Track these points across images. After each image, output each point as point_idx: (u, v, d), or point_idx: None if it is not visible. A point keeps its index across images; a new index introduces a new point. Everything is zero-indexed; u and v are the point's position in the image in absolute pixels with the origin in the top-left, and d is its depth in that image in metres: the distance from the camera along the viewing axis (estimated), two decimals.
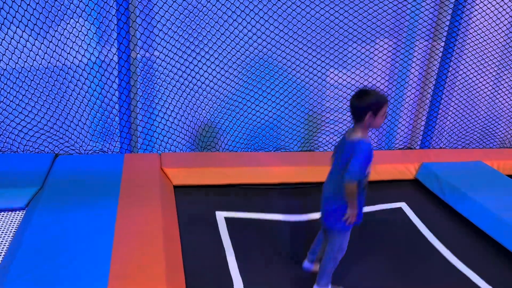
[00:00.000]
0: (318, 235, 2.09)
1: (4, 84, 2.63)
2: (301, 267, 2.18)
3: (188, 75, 2.89)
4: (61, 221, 2.13)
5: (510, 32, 3.36)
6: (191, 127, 3.08)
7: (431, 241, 2.52)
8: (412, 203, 2.84)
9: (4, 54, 2.55)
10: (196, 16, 2.72)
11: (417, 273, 2.25)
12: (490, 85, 3.53)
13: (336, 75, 3.23)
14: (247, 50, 2.90)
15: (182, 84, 2.93)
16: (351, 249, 2.03)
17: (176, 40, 2.75)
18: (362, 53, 3.15)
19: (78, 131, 2.84)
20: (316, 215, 2.42)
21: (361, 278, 2.13)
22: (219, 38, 2.76)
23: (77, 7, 2.54)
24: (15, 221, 2.25)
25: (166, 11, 2.65)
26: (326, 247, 1.89)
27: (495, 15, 3.24)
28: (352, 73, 3.18)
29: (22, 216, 2.29)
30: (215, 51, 2.82)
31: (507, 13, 3.24)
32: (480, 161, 3.29)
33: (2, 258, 1.93)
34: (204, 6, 2.69)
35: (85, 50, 2.67)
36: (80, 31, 2.64)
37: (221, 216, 2.56)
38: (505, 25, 3.29)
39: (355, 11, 2.94)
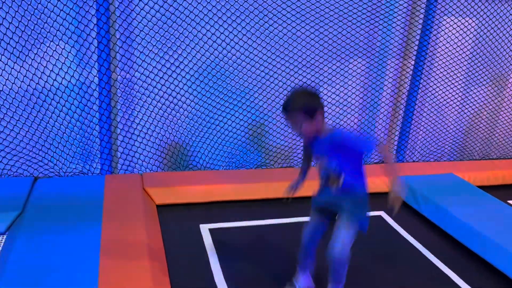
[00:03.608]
0: (306, 244, 1.97)
1: None
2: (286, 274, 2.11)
3: (169, 95, 2.95)
4: (43, 245, 2.11)
5: (474, 50, 3.57)
6: (172, 146, 3.12)
7: (411, 242, 2.71)
8: (389, 212, 2.96)
9: None
10: (176, 38, 2.81)
11: (401, 270, 2.41)
12: (458, 100, 3.70)
13: None
14: (226, 71, 2.96)
15: (163, 104, 2.99)
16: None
17: (157, 62, 2.82)
18: (337, 72, 3.27)
19: (57, 153, 2.85)
20: (300, 219, 2.52)
21: (350, 274, 2.12)
22: (199, 60, 2.86)
23: (57, 30, 2.57)
24: None
25: (146, 34, 2.71)
26: (337, 238, 1.76)
27: (460, 34, 3.46)
28: (328, 91, 3.30)
29: (2, 241, 2.27)
30: (195, 71, 2.90)
31: (471, 32, 3.47)
32: (451, 173, 3.42)
33: None
34: (184, 29, 2.78)
35: (65, 72, 2.70)
36: (61, 53, 2.68)
37: (205, 228, 2.63)
38: (469, 44, 3.51)
39: (330, 32, 3.08)
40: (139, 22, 2.70)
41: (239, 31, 2.85)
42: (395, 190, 1.68)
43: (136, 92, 2.90)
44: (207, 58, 2.85)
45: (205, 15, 2.74)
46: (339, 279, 1.84)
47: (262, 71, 2.99)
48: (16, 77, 2.61)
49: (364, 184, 1.83)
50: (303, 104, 1.67)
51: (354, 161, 1.77)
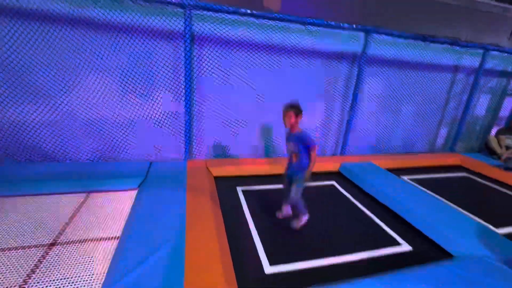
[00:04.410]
0: (285, 190, 2.68)
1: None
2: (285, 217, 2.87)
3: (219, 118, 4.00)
4: (157, 195, 2.84)
5: (381, 96, 4.76)
6: (219, 145, 4.18)
7: (352, 200, 3.39)
8: (338, 182, 3.88)
9: None
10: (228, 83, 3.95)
11: (345, 217, 2.99)
12: (372, 121, 4.88)
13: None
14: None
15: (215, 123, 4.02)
16: (310, 203, 2.83)
17: (215, 99, 3.94)
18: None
19: (162, 148, 3.91)
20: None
21: (312, 225, 2.78)
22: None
23: (162, 83, 3.66)
24: (133, 194, 3.06)
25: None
26: (292, 192, 2.51)
27: (374, 87, 4.66)
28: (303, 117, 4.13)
29: (137, 190, 3.12)
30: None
31: (379, 88, 4.72)
32: (370, 162, 4.41)
33: (129, 213, 2.62)
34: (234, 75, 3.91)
35: (167, 105, 3.74)
36: (163, 96, 3.67)
37: (239, 189, 3.41)
38: (379, 92, 4.75)
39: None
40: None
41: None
42: (309, 173, 2.34)
43: (203, 117, 3.97)
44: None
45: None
46: (301, 209, 2.58)
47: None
48: (141, 109, 3.65)
49: (308, 163, 2.39)
50: (295, 109, 2.36)
51: (304, 149, 2.37)
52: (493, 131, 5.74)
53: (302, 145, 2.37)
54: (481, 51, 5.16)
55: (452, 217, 2.93)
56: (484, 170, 4.76)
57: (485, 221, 3.21)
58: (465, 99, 5.47)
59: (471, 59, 5.18)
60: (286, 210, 2.85)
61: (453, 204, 3.50)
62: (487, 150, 5.75)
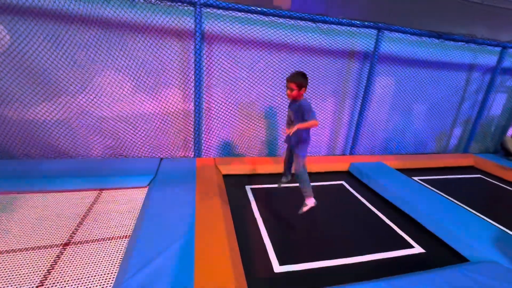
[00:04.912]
0: (285, 162, 2.73)
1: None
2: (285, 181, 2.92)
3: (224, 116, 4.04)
4: (166, 193, 2.90)
5: (393, 95, 4.74)
6: (228, 145, 4.23)
7: (362, 201, 3.37)
8: (347, 182, 3.87)
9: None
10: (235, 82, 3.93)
11: (355, 217, 2.98)
12: (383, 121, 4.86)
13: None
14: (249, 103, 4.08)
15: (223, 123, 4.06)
16: (319, 202, 2.82)
17: (223, 97, 3.96)
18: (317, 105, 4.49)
19: (172, 146, 3.95)
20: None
21: (321, 225, 2.81)
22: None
23: (171, 79, 3.68)
24: (143, 192, 3.14)
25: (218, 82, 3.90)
26: (295, 165, 2.45)
27: (385, 86, 4.65)
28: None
29: (147, 188, 3.18)
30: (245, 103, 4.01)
31: (390, 87, 4.67)
32: (381, 162, 4.41)
33: (139, 211, 2.67)
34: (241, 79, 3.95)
35: (176, 103, 3.78)
36: (174, 93, 3.73)
37: (248, 188, 3.48)
38: (391, 90, 4.74)
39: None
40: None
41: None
42: (291, 129, 2.20)
43: (212, 116, 4.04)
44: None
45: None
46: (307, 186, 2.46)
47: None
48: (151, 106, 3.68)
49: (307, 138, 2.34)
50: (299, 80, 2.23)
51: (303, 119, 2.26)
52: (510, 131, 5.70)
53: (301, 115, 2.28)
54: (498, 49, 5.01)
55: (466, 220, 2.90)
56: (499, 172, 4.74)
57: (500, 224, 3.16)
58: (481, 99, 5.34)
59: (487, 57, 5.06)
60: (286, 177, 2.85)
61: (467, 206, 3.47)
62: (503, 151, 5.63)
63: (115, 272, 2.04)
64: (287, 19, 3.78)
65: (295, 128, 2.19)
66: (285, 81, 3.90)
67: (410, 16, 4.46)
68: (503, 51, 5.03)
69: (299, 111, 2.28)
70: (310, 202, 2.57)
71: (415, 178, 4.16)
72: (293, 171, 2.58)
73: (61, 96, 3.50)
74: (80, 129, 3.61)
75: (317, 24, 3.93)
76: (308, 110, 2.24)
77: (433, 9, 4.61)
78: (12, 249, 2.20)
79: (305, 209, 2.58)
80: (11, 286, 1.89)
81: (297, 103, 2.32)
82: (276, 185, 2.93)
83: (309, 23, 3.89)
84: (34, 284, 1.92)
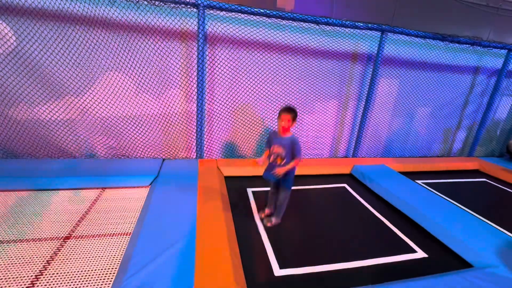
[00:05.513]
0: (270, 194, 2.74)
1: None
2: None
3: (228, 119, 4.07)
4: (169, 192, 2.92)
5: (396, 98, 4.73)
6: (229, 146, 4.26)
7: (365, 204, 3.33)
8: (349, 185, 3.86)
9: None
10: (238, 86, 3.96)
11: (357, 219, 2.97)
12: (385, 123, 4.87)
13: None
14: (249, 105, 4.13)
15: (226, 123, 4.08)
16: (320, 205, 2.96)
17: (224, 98, 3.97)
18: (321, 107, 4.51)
19: (174, 147, 3.98)
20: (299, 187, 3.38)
21: (322, 229, 2.77)
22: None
23: (174, 80, 3.74)
24: (145, 191, 3.16)
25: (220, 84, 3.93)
26: (280, 197, 2.57)
27: (388, 88, 4.63)
28: (315, 117, 4.42)
29: (149, 188, 3.21)
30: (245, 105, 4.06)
31: (393, 90, 4.70)
32: (383, 164, 4.40)
33: (141, 211, 2.69)
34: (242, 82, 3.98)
35: (179, 104, 3.80)
36: (176, 94, 3.73)
37: (249, 190, 3.46)
38: (394, 93, 4.76)
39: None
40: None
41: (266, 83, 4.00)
42: (282, 169, 2.27)
43: (214, 117, 4.06)
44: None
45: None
46: (283, 210, 2.65)
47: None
48: (154, 107, 3.72)
49: (293, 169, 2.36)
50: (294, 113, 2.31)
51: (291, 155, 2.34)
52: None
53: (292, 151, 2.32)
54: (504, 51, 4.96)
55: (471, 224, 2.87)
56: (505, 176, 4.70)
57: (505, 229, 3.12)
58: (486, 102, 5.29)
59: (493, 60, 5.02)
60: (269, 210, 2.88)
61: (471, 210, 3.44)
62: (509, 155, 5.57)
63: (115, 269, 2.05)
64: (290, 21, 3.78)
65: (286, 169, 2.25)
66: (285, 83, 3.96)
67: (414, 19, 4.44)
68: (509, 53, 5.00)
69: (291, 148, 2.31)
70: (277, 221, 2.72)
71: (419, 182, 4.15)
72: (278, 202, 2.65)
73: (65, 96, 3.53)
74: (84, 130, 3.64)
75: (320, 26, 3.93)
76: (300, 149, 2.30)
77: (438, 12, 4.59)
78: (13, 240, 2.26)
79: (271, 224, 2.71)
80: (16, 271, 1.96)
81: (287, 139, 2.32)
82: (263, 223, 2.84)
83: (312, 25, 3.90)
84: (33, 273, 1.97)
